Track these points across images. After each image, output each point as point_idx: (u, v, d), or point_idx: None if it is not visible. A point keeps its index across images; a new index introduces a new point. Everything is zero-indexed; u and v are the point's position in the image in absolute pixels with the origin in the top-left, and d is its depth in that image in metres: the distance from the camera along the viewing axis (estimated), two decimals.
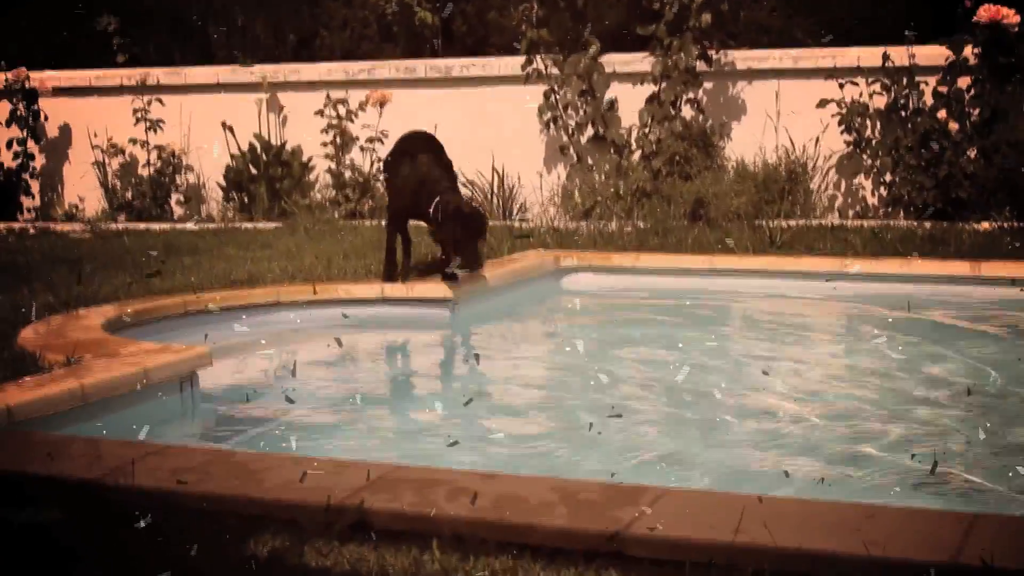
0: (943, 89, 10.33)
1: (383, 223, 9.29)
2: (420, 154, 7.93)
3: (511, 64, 11.91)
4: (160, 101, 12.75)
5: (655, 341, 7.68)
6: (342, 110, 12.09)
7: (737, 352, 7.42)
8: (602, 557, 3.64)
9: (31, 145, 13.10)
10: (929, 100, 10.43)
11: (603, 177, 11.35)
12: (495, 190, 11.89)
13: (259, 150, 12.32)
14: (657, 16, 11.25)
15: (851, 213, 10.98)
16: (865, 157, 10.76)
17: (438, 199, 7.60)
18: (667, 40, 11.15)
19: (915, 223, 9.77)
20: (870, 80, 10.66)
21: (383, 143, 11.90)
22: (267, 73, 12.73)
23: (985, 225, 9.51)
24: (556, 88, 11.66)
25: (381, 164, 10.05)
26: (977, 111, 10.23)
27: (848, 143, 10.77)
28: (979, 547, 3.45)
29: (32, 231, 11.12)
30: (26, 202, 13.21)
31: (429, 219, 7.72)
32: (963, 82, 10.31)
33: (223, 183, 12.47)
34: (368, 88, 12.12)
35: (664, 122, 11.22)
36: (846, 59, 10.90)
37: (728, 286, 8.52)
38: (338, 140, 12.12)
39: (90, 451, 4.61)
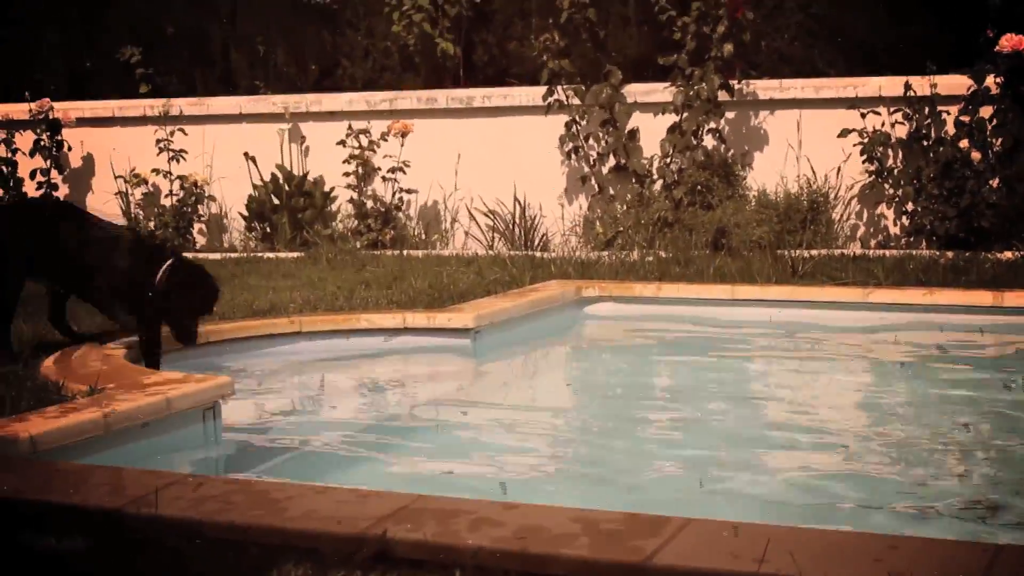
0: (965, 118, 10.32)
1: (405, 252, 9.27)
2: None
3: (532, 94, 11.93)
4: (183, 131, 12.80)
5: (677, 370, 7.66)
6: (364, 140, 12.11)
7: (758, 381, 7.41)
8: None
9: (54, 175, 13.14)
10: (951, 129, 10.42)
11: (624, 207, 11.36)
12: (516, 220, 11.90)
13: (281, 180, 12.35)
14: (678, 46, 11.27)
15: (873, 243, 10.96)
16: (887, 186, 10.75)
17: None
18: (689, 70, 11.16)
19: (937, 252, 9.75)
20: (892, 110, 10.65)
21: (405, 173, 11.94)
22: (289, 103, 12.77)
23: (1008, 254, 9.49)
24: (577, 118, 11.68)
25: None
26: (999, 140, 10.21)
27: (870, 172, 10.75)
28: None
29: None
30: None
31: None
32: (985, 111, 10.29)
33: (245, 213, 12.50)
34: (390, 118, 12.15)
35: (686, 152, 11.23)
36: (868, 89, 10.90)
37: (750, 315, 8.50)
38: (360, 170, 12.14)
39: (112, 480, 4.61)
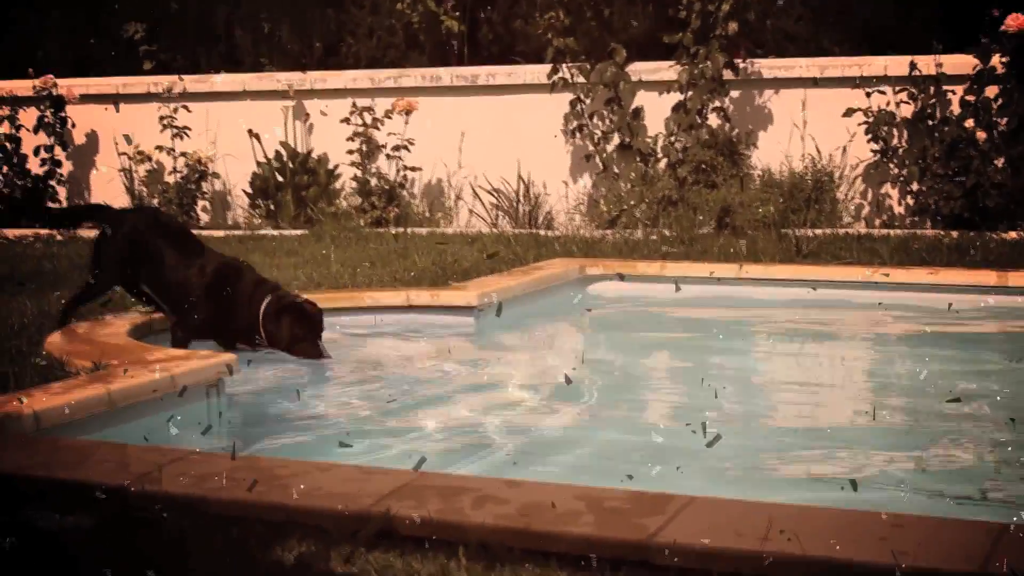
0: (970, 98, 10.31)
1: (409, 230, 9.21)
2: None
3: (537, 72, 11.91)
4: (187, 108, 12.79)
5: (680, 348, 7.66)
6: (368, 118, 12.10)
7: (761, 359, 7.40)
8: (628, 565, 3.62)
9: (58, 152, 13.14)
10: (956, 109, 10.40)
11: (629, 185, 11.34)
12: (520, 198, 11.89)
13: (285, 157, 12.34)
14: (683, 24, 11.25)
15: (878, 222, 10.95)
16: (892, 166, 10.74)
17: None
18: (693, 48, 11.14)
19: (942, 232, 9.74)
20: (897, 89, 10.65)
21: (409, 151, 11.93)
22: (293, 81, 12.76)
23: (1012, 234, 9.48)
24: (582, 97, 11.66)
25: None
26: (1005, 120, 10.20)
27: (875, 152, 10.75)
28: (1008, 557, 3.43)
29: (59, 237, 11.14)
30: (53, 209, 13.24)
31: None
32: (991, 91, 10.28)
33: (249, 190, 12.49)
34: (394, 96, 12.14)
35: (690, 130, 11.22)
36: (873, 68, 10.88)
37: (754, 295, 8.50)
38: (364, 148, 12.13)
39: (116, 457, 4.61)
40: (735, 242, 9.36)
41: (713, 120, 11.32)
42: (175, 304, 6.97)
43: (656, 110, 11.52)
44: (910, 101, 10.59)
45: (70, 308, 6.99)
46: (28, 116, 13.08)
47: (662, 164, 11.38)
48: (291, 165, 12.29)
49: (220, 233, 11.29)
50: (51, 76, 13.05)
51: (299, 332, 6.94)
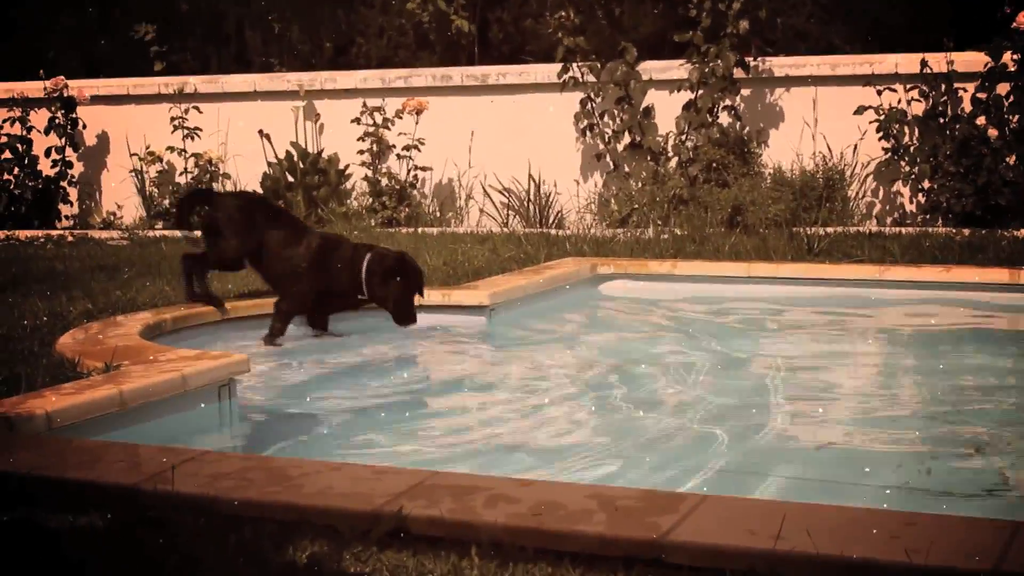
0: (982, 95, 10.29)
1: (420, 230, 9.18)
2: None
3: (547, 72, 11.91)
4: (197, 109, 12.80)
5: (691, 346, 7.65)
6: (378, 118, 12.10)
7: (772, 358, 7.38)
8: (641, 564, 3.62)
9: (69, 153, 13.15)
10: (968, 107, 10.38)
11: (640, 184, 11.34)
12: (531, 197, 11.89)
13: (296, 158, 12.34)
14: (694, 23, 11.24)
15: (889, 220, 10.94)
16: (903, 164, 10.72)
17: None
18: (704, 47, 11.13)
19: (953, 230, 9.72)
20: (908, 87, 10.62)
21: (419, 151, 11.93)
22: (304, 81, 12.76)
23: None
24: (592, 96, 11.66)
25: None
26: (1016, 118, 10.17)
27: (886, 150, 10.72)
28: (1021, 555, 3.42)
29: (70, 238, 11.16)
30: (64, 210, 13.27)
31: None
32: (1002, 88, 10.26)
33: (260, 191, 12.50)
34: (404, 96, 12.14)
35: (701, 129, 11.21)
36: (884, 66, 10.86)
37: (765, 293, 8.49)
38: (375, 148, 12.13)
39: (128, 457, 4.62)
40: (746, 240, 9.35)
41: (724, 118, 11.32)
42: (279, 279, 7.48)
43: (667, 109, 11.51)
44: (921, 99, 10.58)
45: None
46: (39, 118, 13.09)
47: (673, 163, 11.37)
48: (302, 165, 12.30)
49: None
50: (62, 77, 13.06)
51: (400, 283, 7.32)
